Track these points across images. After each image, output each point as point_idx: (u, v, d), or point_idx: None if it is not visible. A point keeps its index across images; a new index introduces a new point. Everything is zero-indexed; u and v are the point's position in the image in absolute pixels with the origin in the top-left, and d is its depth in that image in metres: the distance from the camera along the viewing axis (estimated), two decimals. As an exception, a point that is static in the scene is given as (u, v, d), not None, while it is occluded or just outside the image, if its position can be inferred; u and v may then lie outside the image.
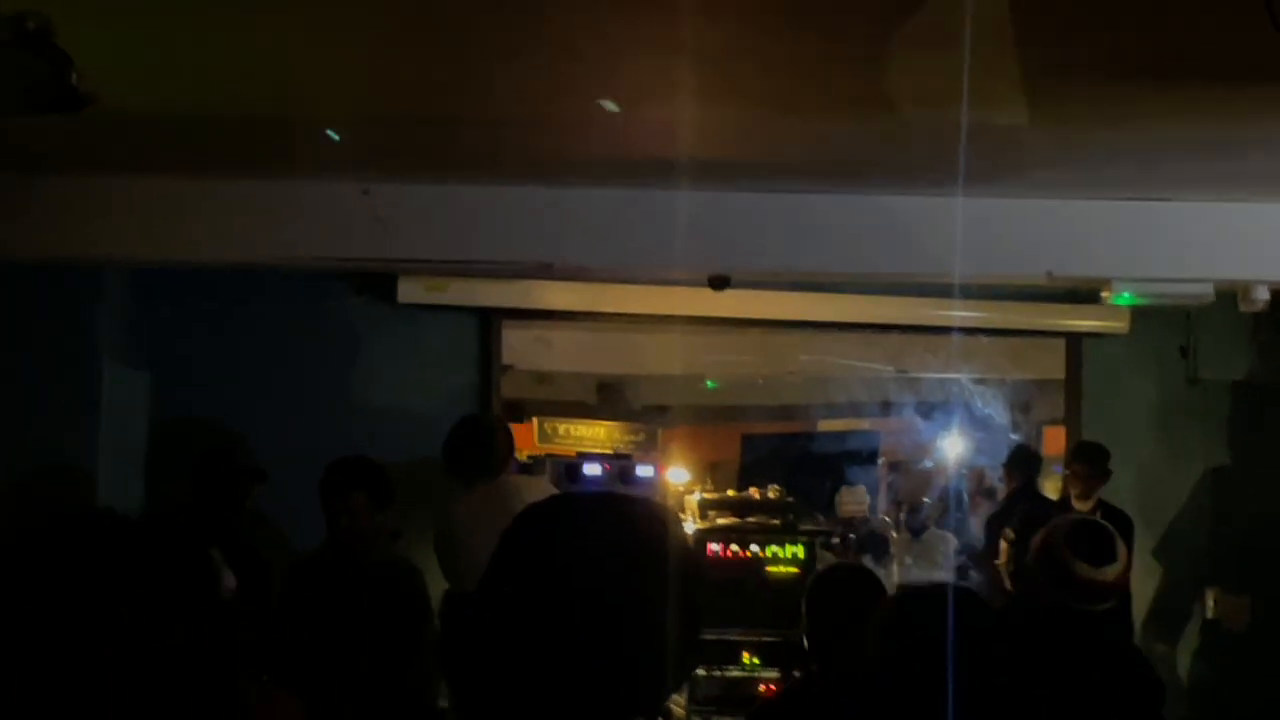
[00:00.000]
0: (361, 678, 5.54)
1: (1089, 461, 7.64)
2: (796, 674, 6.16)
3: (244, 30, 4.22)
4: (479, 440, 6.08)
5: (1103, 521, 4.51)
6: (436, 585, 5.94)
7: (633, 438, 10.43)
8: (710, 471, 10.18)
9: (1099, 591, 4.21)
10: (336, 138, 5.37)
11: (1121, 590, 4.34)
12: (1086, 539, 4.28)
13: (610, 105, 4.87)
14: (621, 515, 1.89)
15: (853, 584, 4.36)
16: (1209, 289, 6.62)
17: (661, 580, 1.87)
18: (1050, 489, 8.28)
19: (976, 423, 9.43)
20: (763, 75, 4.63)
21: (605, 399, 10.66)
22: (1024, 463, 8.18)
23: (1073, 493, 7.69)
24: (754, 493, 7.25)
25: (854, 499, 9.86)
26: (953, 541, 8.79)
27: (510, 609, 1.87)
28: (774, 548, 6.93)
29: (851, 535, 8.59)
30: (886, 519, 9.66)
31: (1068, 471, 7.81)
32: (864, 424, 11.26)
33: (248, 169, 6.10)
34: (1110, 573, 4.22)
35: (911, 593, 4.00)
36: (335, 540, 5.68)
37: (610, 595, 1.83)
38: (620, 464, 7.35)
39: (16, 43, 3.96)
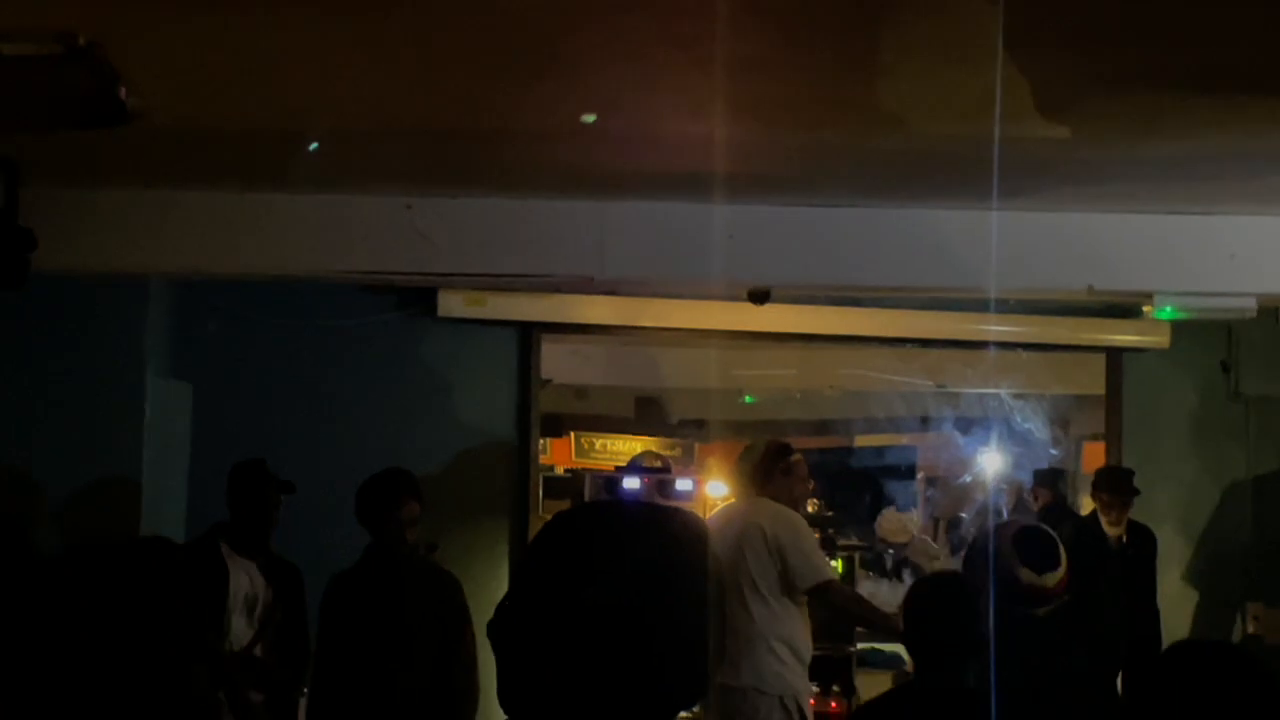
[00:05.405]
0: (404, 689, 5.57)
1: (1112, 490, 7.62)
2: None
3: (289, 47, 4.27)
4: None
5: (1046, 528, 4.62)
6: (473, 596, 5.97)
7: (670, 452, 10.45)
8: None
9: (1040, 596, 4.35)
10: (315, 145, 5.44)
11: (1061, 596, 4.46)
12: (1031, 545, 4.42)
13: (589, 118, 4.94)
14: (644, 520, 1.93)
15: (948, 593, 4.41)
16: (1251, 303, 6.60)
17: (687, 583, 1.89)
18: (1090, 504, 8.24)
19: (1015, 438, 9.41)
20: (801, 89, 4.65)
21: (643, 413, 10.68)
22: (1051, 479, 8.19)
23: (1104, 520, 7.66)
24: (792, 507, 7.21)
25: (896, 524, 9.82)
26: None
27: (540, 614, 1.89)
28: (813, 562, 6.88)
29: (890, 552, 8.59)
30: (930, 540, 9.63)
31: (1095, 500, 7.79)
32: (902, 439, 11.25)
33: (292, 183, 6.15)
34: (1051, 579, 4.37)
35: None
36: (378, 550, 5.71)
37: (635, 599, 1.85)
38: (659, 477, 7.34)
39: (67, 58, 4.03)
